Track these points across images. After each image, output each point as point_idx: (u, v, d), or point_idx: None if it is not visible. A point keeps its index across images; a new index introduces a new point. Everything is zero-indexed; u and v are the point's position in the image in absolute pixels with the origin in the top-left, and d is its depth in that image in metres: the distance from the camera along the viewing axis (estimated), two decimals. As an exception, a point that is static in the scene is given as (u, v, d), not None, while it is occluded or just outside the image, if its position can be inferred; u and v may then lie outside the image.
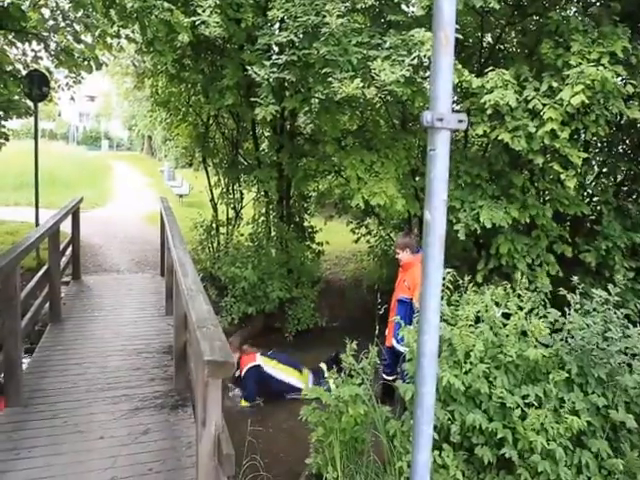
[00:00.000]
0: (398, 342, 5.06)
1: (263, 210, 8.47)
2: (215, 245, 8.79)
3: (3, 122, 8.54)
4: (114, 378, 4.52)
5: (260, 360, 6.03)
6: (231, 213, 9.02)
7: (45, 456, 3.44)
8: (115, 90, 36.63)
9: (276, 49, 7.28)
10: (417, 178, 7.37)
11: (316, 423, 3.77)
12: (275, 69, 6.62)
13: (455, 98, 6.93)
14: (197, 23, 6.73)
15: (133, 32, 8.03)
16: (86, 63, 8.38)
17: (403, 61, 5.81)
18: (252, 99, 7.45)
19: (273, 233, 8.30)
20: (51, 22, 7.49)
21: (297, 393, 5.60)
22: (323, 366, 4.56)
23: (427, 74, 5.98)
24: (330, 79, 6.06)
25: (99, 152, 36.93)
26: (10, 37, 7.84)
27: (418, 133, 7.36)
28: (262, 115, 6.62)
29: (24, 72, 8.64)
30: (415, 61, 5.75)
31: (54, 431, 3.73)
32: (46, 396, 4.22)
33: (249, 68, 6.63)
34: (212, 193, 9.16)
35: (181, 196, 17.49)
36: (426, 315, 1.85)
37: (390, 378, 5.17)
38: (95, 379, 4.50)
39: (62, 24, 7.62)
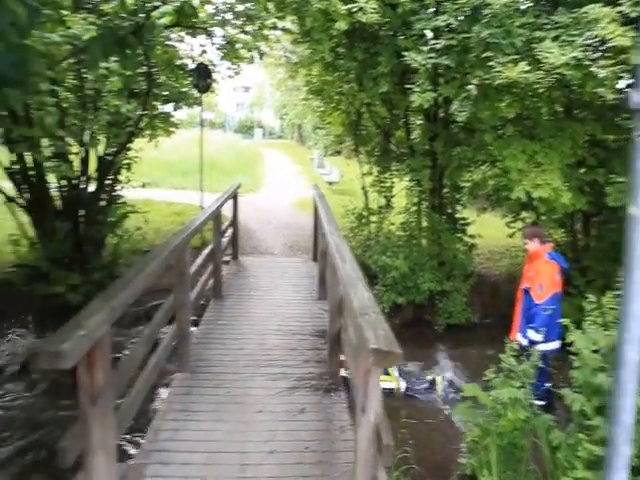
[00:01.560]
0: (524, 336, 4.78)
1: (415, 200, 8.33)
2: (366, 233, 8.87)
3: (173, 112, 9.34)
4: (271, 356, 4.76)
5: None
6: (382, 202, 9.01)
7: (210, 421, 3.73)
8: (268, 81, 38.81)
9: (430, 34, 7.07)
10: (583, 170, 6.73)
11: (469, 423, 3.62)
12: (433, 54, 6.44)
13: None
14: (354, 10, 6.76)
15: (292, 22, 8.36)
16: (249, 54, 8.85)
17: (574, 42, 5.31)
18: (406, 86, 7.34)
19: (425, 223, 8.15)
20: (219, 16, 8.00)
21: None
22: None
23: (597, 55, 5.40)
24: (491, 63, 5.75)
25: (252, 140, 39.19)
26: (182, 33, 8.54)
27: (585, 121, 6.69)
28: (418, 102, 6.49)
29: (192, 65, 9.35)
30: (588, 41, 5.23)
31: (218, 399, 4.02)
32: (210, 366, 4.57)
33: (405, 54, 6.53)
34: (363, 181, 9.23)
35: (331, 183, 17.91)
36: (627, 322, 1.64)
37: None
38: (253, 355, 4.77)
39: (229, 17, 8.12)
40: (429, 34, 7.04)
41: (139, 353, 3.50)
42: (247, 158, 24.76)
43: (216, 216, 6.37)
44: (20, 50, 2.06)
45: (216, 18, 8.12)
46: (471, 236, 8.11)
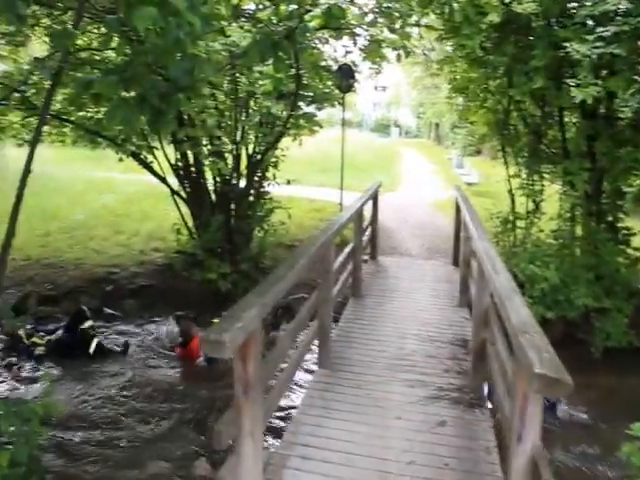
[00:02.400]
0: None
1: (568, 205, 7.67)
2: (511, 239, 8.37)
3: (317, 112, 9.55)
4: (410, 361, 4.67)
5: None
6: (530, 206, 8.43)
7: (349, 421, 3.73)
8: (405, 79, 38.53)
9: (590, 23, 6.45)
10: None
11: None
12: (599, 44, 5.86)
13: None
14: (508, 1, 6.37)
15: (437, 18, 8.10)
16: (394, 52, 8.75)
17: None
18: (565, 80, 6.77)
19: (579, 232, 7.47)
20: (370, 16, 8.00)
21: None
22: None
23: None
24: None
25: (389, 139, 39.12)
26: (327, 36, 8.69)
27: None
28: (580, 98, 5.95)
29: (334, 66, 9.48)
30: None
31: (358, 400, 4.02)
32: (350, 365, 4.60)
33: (567, 45, 6.02)
34: (510, 184, 8.71)
35: (470, 184, 17.24)
36: None
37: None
38: (393, 358, 4.72)
39: (373, 17, 8.11)
40: (590, 23, 6.43)
41: (285, 347, 3.62)
42: (384, 157, 24.75)
43: (358, 215, 6.40)
44: (192, 58, 2.20)
45: (367, 18, 8.14)
46: (636, 249, 7.27)
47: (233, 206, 8.07)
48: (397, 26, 8.28)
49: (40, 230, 10.53)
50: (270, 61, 2.98)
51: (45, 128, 8.05)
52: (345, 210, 6.22)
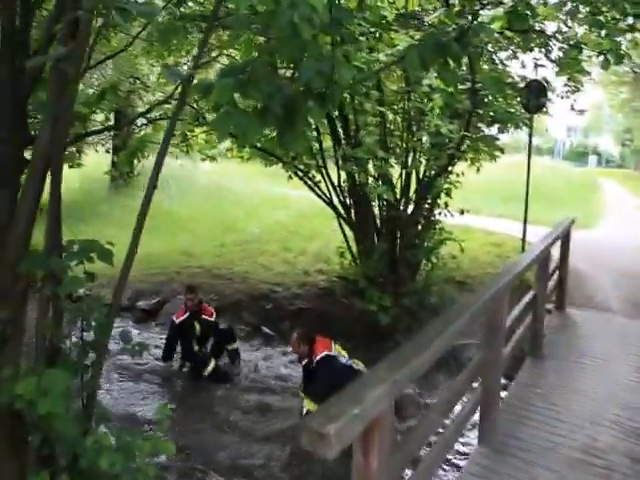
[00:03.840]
0: None
1: None
2: None
3: (499, 134, 8.48)
4: (605, 463, 3.54)
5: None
6: None
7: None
8: (607, 102, 34.27)
9: None
10: None
11: None
12: None
13: None
14: None
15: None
16: (599, 59, 7.31)
17: None
18: None
19: None
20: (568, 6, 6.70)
21: None
22: None
23: None
24: None
25: (585, 168, 35.23)
26: (513, 48, 7.61)
27: None
28: None
29: (522, 84, 8.32)
30: None
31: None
32: (520, 448, 3.65)
33: None
34: None
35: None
36: None
37: None
38: (579, 451, 3.64)
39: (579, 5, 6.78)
40: None
41: (431, 426, 2.90)
42: (579, 188, 22.11)
43: (543, 256, 5.34)
44: (329, 58, 1.66)
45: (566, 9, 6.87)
46: None
47: (399, 234, 7.43)
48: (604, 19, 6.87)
49: (217, 241, 11.12)
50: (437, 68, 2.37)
51: (227, 144, 8.35)
52: (528, 249, 5.21)
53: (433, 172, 7.23)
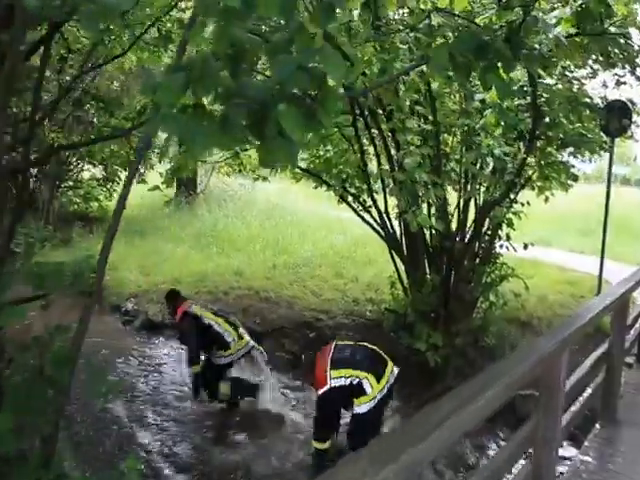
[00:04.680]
0: None
1: None
2: None
3: (576, 161, 7.62)
4: None
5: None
6: None
7: None
8: None
9: None
10: None
11: None
12: None
13: None
14: None
15: None
16: None
17: None
18: None
19: None
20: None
21: None
22: None
23: None
24: None
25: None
26: (593, 65, 6.84)
27: None
28: None
29: (601, 103, 7.44)
30: None
31: None
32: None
33: None
34: None
35: None
36: None
37: None
38: None
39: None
40: None
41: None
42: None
43: (621, 303, 4.59)
44: (313, 50, 1.23)
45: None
46: None
47: (452, 266, 6.78)
48: None
49: (269, 262, 10.84)
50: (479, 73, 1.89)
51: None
52: (605, 290, 4.48)
53: (493, 199, 6.46)
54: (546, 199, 7.50)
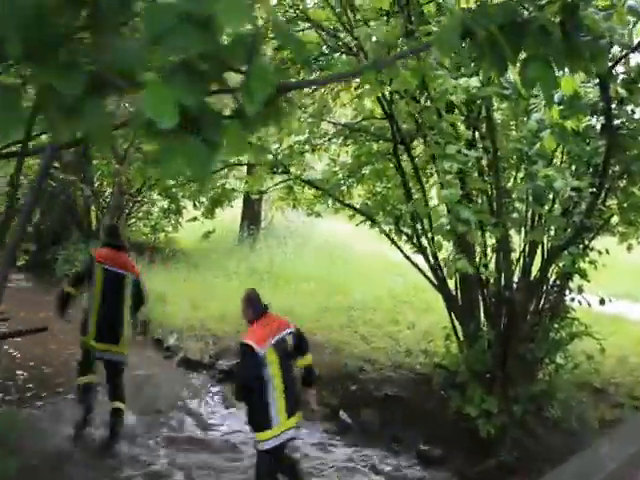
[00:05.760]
0: None
1: None
2: None
3: None
4: None
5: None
6: None
7: None
8: None
9: None
10: None
11: None
12: None
13: None
14: None
15: None
16: None
17: None
18: None
19: None
20: None
21: None
22: None
23: None
24: None
25: None
26: None
27: None
28: None
29: None
30: None
31: None
32: None
33: None
34: None
35: None
36: None
37: None
38: None
39: None
40: None
41: None
42: None
43: None
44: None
45: None
46: None
47: (510, 322, 5.94)
48: None
49: (322, 303, 10.35)
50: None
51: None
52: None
53: (557, 244, 5.55)
54: (629, 247, 6.56)
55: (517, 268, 6.05)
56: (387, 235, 6.77)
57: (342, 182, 7.49)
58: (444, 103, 5.14)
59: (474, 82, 4.30)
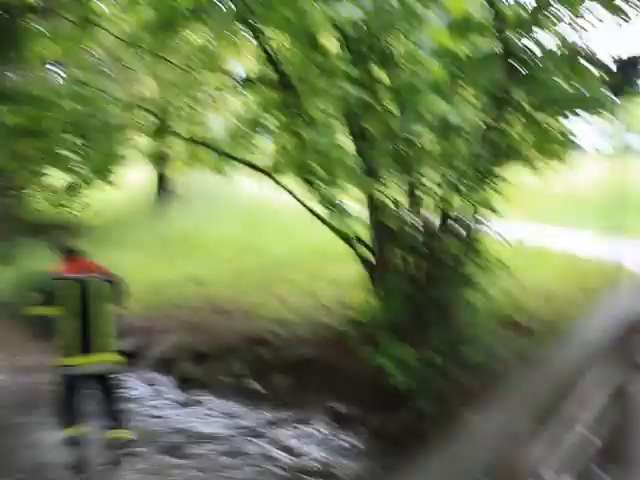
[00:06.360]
0: None
1: None
2: None
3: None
4: None
5: None
6: None
7: None
8: None
9: None
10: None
11: None
12: None
13: None
14: None
15: None
16: None
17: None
18: None
19: None
20: None
21: None
22: None
23: None
24: None
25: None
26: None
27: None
28: None
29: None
30: None
31: None
32: None
33: None
34: None
35: None
36: None
37: None
38: None
39: None
40: None
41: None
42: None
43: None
44: None
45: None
46: None
47: (424, 264, 5.48)
48: None
49: (238, 267, 9.63)
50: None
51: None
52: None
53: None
54: (542, 176, 6.23)
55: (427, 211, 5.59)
56: (289, 190, 6.18)
57: (242, 138, 6.86)
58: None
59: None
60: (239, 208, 13.68)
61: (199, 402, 5.83)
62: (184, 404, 5.80)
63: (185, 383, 6.14)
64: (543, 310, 6.66)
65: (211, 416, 5.48)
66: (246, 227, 11.93)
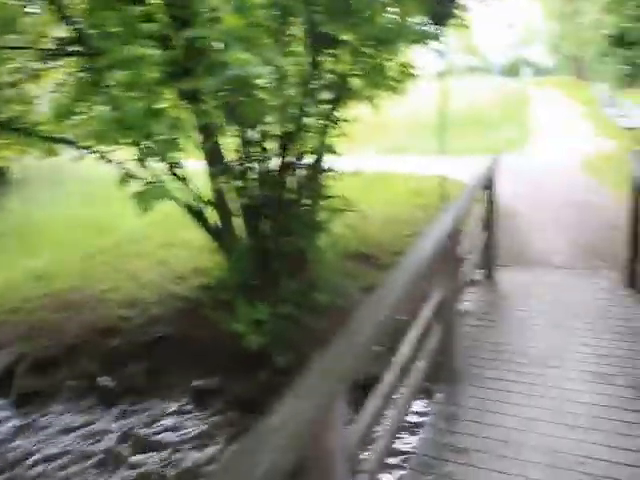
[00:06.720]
0: None
1: None
2: None
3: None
4: None
5: None
6: None
7: None
8: (538, 12, 33.56)
9: None
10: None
11: None
12: None
13: None
14: None
15: None
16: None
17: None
18: None
19: None
20: None
21: None
22: None
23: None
24: None
25: (519, 81, 33.66)
26: None
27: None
28: None
29: None
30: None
31: None
32: None
33: None
34: None
35: (631, 129, 12.84)
36: None
37: None
38: None
39: None
40: None
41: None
42: (511, 104, 20.50)
43: (453, 229, 3.41)
44: None
45: None
46: None
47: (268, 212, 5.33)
48: None
49: (86, 252, 8.84)
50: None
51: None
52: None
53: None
54: (377, 108, 6.26)
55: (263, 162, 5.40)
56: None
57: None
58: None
59: None
60: (90, 188, 12.51)
61: (39, 421, 5.09)
62: (21, 428, 4.99)
63: (25, 400, 5.42)
64: (385, 235, 6.91)
65: (52, 435, 4.83)
66: (98, 207, 10.98)
